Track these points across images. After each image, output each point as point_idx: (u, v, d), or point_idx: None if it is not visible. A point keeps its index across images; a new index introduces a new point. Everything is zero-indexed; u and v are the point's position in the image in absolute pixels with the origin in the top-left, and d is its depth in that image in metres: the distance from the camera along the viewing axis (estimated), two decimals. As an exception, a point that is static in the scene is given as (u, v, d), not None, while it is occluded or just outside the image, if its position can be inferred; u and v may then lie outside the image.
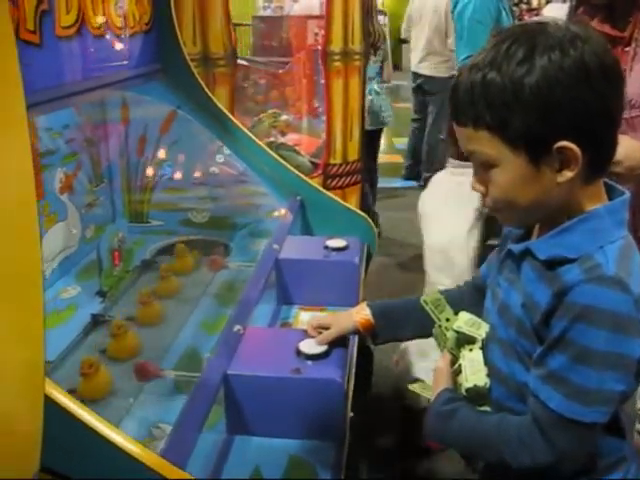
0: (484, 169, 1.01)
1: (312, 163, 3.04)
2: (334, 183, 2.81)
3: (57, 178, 2.05)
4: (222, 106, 2.38)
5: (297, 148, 3.12)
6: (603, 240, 0.98)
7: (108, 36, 1.91)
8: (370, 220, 2.37)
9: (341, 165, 2.81)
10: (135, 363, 1.54)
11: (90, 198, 2.30)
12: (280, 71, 4.47)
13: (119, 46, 2.00)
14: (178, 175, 2.47)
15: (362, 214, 2.39)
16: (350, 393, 1.48)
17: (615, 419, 1.04)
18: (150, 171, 2.44)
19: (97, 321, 1.83)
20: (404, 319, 1.35)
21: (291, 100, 4.33)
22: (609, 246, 0.98)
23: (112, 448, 0.96)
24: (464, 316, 1.18)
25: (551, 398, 0.98)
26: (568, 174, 0.96)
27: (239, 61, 4.37)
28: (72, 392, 1.40)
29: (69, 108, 2.12)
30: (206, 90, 2.31)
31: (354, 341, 1.69)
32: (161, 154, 2.42)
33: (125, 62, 2.06)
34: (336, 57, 2.69)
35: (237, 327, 1.44)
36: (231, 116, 2.37)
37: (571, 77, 0.92)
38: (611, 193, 1.05)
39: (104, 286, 1.97)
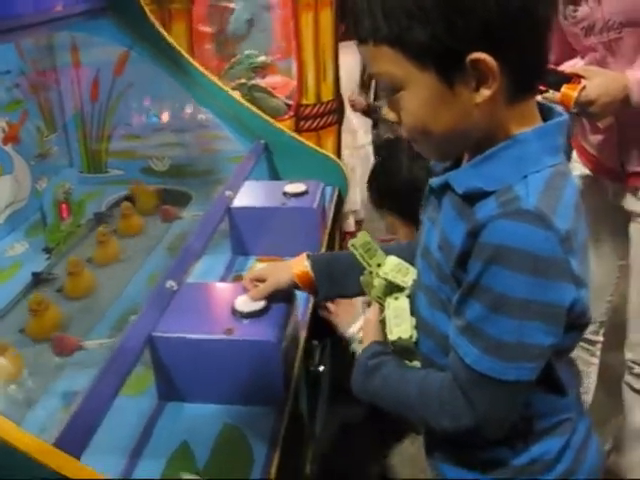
0: (392, 93, 0.87)
1: (287, 105, 2.88)
2: (307, 125, 2.64)
3: (-1, 128, 1.92)
4: (180, 45, 2.21)
5: (271, 90, 2.95)
6: (527, 169, 0.84)
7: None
8: (341, 162, 2.23)
9: (315, 106, 2.64)
10: (53, 337, 1.41)
11: (41, 148, 2.16)
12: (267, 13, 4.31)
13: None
14: (136, 121, 2.33)
15: (331, 156, 2.25)
16: (297, 353, 1.36)
17: (549, 375, 0.91)
18: (106, 117, 2.29)
19: (39, 280, 1.71)
20: (348, 273, 1.20)
21: (275, 42, 4.19)
22: (534, 176, 0.84)
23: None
24: (392, 261, 1.05)
25: (468, 353, 0.85)
26: (486, 92, 0.82)
27: (221, 2, 4.20)
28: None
29: (10, 52, 1.98)
30: (159, 28, 2.14)
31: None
32: (116, 99, 2.27)
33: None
34: (305, -12, 2.51)
35: (170, 283, 1.31)
36: (189, 57, 2.20)
37: None
38: (547, 115, 0.90)
39: (50, 242, 1.84)
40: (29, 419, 1.20)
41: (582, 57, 1.81)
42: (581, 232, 0.89)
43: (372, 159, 3.67)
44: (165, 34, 2.15)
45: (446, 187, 0.91)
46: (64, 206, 1.91)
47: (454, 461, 1.01)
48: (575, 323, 0.89)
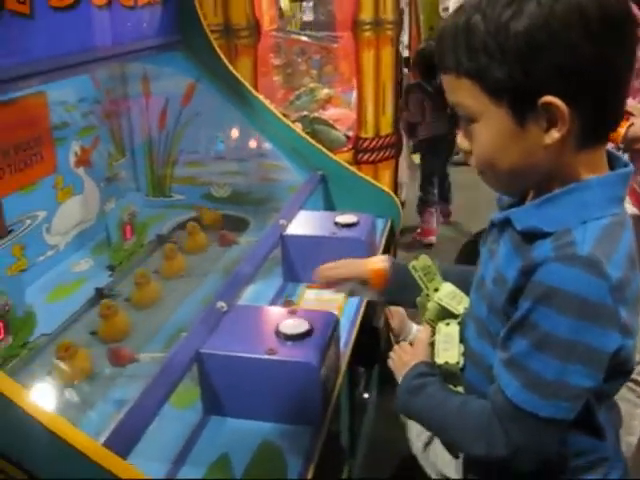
0: (467, 124, 0.92)
1: (347, 137, 2.96)
2: (366, 157, 2.73)
3: (72, 151, 2.04)
4: (245, 78, 2.32)
5: (331, 122, 3.04)
6: (588, 215, 0.87)
7: (116, 6, 1.86)
8: (394, 195, 2.29)
9: (373, 139, 2.72)
10: (110, 348, 1.51)
11: (111, 172, 2.28)
12: (334, 45, 4.42)
13: (131, 16, 1.96)
14: (200, 149, 2.44)
15: (386, 190, 2.31)
16: (338, 378, 1.41)
17: (588, 417, 0.94)
18: (172, 145, 2.41)
19: (101, 295, 1.81)
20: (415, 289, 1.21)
21: (345, 75, 4.29)
22: (593, 222, 0.87)
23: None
24: (447, 288, 1.11)
25: (508, 385, 0.90)
26: (555, 135, 0.86)
27: (294, 35, 4.35)
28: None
29: (86, 81, 2.11)
30: (226, 62, 2.26)
31: (354, 319, 1.63)
32: (182, 127, 2.39)
33: (140, 32, 2.01)
34: (366, 27, 2.60)
35: (220, 304, 1.39)
36: (252, 89, 2.31)
37: (561, 23, 0.81)
38: (614, 163, 0.93)
39: (113, 260, 1.95)
40: (84, 423, 1.28)
41: (633, 97, 1.84)
42: (635, 282, 0.90)
43: None
44: (231, 68, 2.26)
45: (506, 223, 0.95)
46: (128, 227, 2.02)
47: None
48: (618, 370, 0.91)
